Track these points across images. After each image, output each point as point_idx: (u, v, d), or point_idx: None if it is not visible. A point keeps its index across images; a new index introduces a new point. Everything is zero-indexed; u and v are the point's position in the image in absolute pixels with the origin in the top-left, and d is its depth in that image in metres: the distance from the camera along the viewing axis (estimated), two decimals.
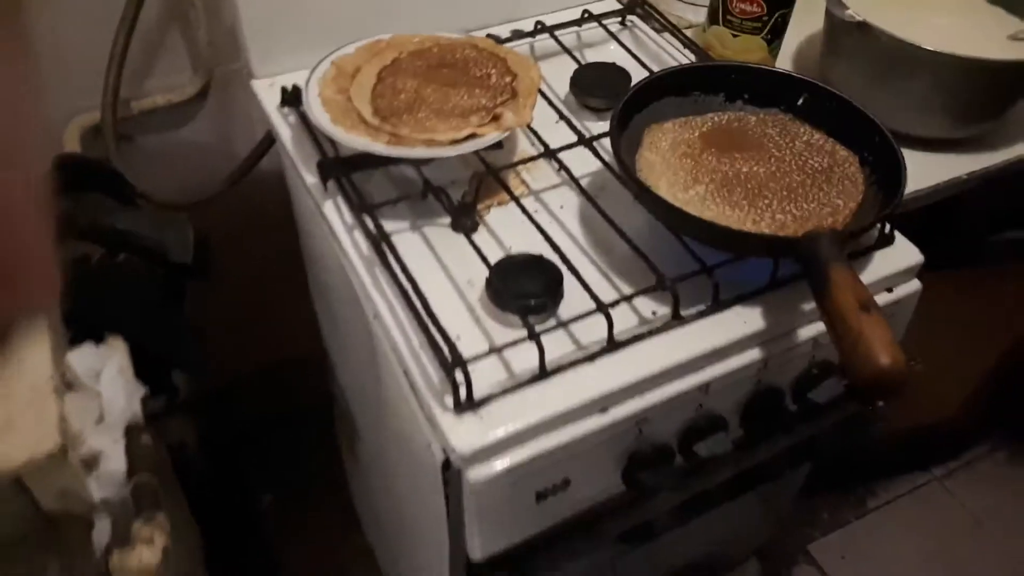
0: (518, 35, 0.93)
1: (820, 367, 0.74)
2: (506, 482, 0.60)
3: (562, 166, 0.78)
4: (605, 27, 0.97)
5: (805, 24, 1.02)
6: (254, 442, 1.43)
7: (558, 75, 0.89)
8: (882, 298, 0.74)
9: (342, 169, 0.74)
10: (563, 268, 0.67)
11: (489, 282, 0.66)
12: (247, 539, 1.41)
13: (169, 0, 0.98)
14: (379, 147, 0.71)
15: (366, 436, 1.00)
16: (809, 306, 0.69)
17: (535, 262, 0.68)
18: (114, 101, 0.97)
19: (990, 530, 1.54)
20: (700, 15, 1.00)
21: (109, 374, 0.65)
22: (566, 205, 0.77)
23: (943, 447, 1.64)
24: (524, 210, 0.72)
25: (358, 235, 0.72)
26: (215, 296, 1.09)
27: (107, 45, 0.94)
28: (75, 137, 0.97)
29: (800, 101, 0.80)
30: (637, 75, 0.85)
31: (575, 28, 0.97)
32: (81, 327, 0.68)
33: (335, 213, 0.74)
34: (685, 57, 0.95)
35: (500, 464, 0.59)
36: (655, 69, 0.83)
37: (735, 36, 0.94)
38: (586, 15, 0.97)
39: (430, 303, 0.64)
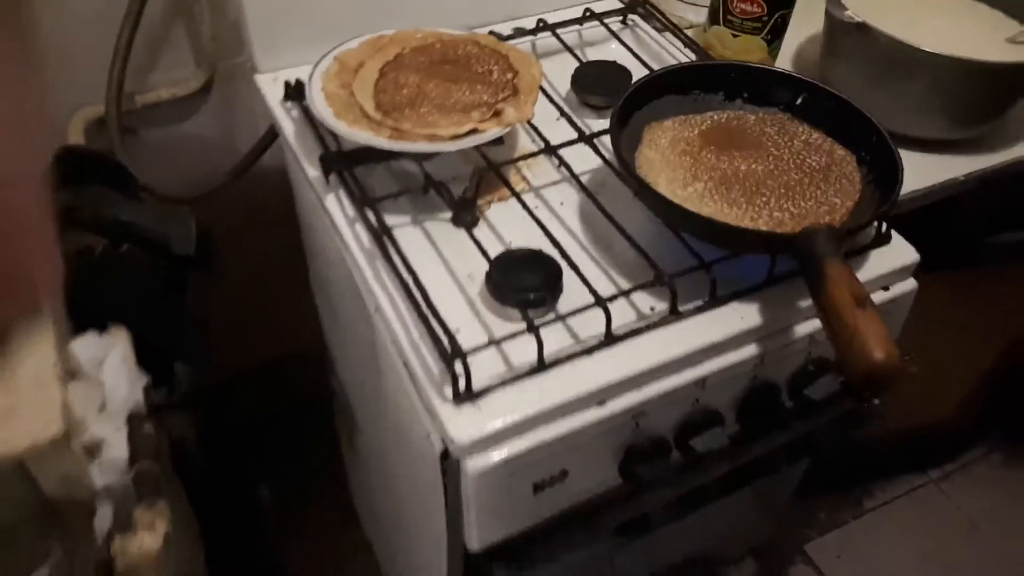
0: (520, 32, 0.94)
1: (816, 364, 0.75)
2: (504, 473, 0.61)
3: (562, 162, 0.78)
4: (606, 26, 0.97)
5: (806, 25, 1.03)
6: (254, 437, 1.43)
7: (559, 73, 0.90)
8: (878, 296, 0.75)
9: (344, 163, 0.75)
10: (562, 263, 0.68)
11: (489, 276, 0.67)
12: (246, 534, 1.42)
13: None
14: (381, 141, 0.71)
15: (366, 430, 1.00)
16: (805, 303, 0.70)
17: (535, 257, 0.69)
18: (118, 94, 0.97)
19: (986, 532, 1.55)
20: (701, 15, 1.01)
21: (112, 363, 0.66)
22: (566, 201, 0.78)
23: (939, 449, 1.64)
24: (524, 205, 0.73)
25: (360, 228, 0.73)
26: (216, 291, 1.10)
27: (112, 39, 0.95)
28: (79, 130, 0.98)
29: (799, 101, 0.81)
30: (638, 74, 0.85)
31: (576, 26, 0.97)
32: (84, 317, 0.69)
33: (337, 206, 0.75)
34: (686, 56, 0.96)
35: (498, 455, 0.60)
36: (656, 68, 0.84)
37: (735, 36, 0.95)
38: (588, 13, 0.98)
39: (430, 296, 0.65)
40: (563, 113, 0.83)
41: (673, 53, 0.97)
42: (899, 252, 0.76)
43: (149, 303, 0.82)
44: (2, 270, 0.54)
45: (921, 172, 0.89)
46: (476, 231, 0.72)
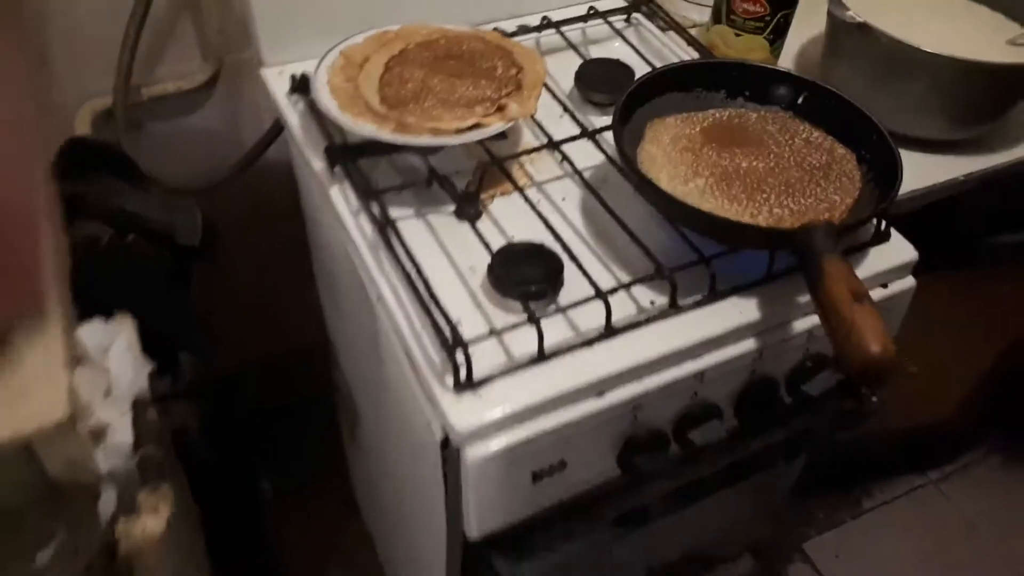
0: (524, 30, 0.95)
1: (814, 360, 0.75)
2: (503, 461, 0.61)
3: (565, 158, 0.79)
4: (610, 24, 0.98)
5: (808, 26, 1.03)
6: (257, 430, 1.44)
7: (563, 70, 0.91)
8: (877, 293, 0.75)
9: (349, 155, 0.76)
10: (564, 256, 0.69)
11: (491, 268, 0.68)
12: (247, 525, 1.42)
13: None
14: (386, 134, 0.72)
15: (368, 421, 1.01)
16: (804, 299, 0.71)
17: (536, 250, 0.70)
18: (125, 87, 0.98)
19: (984, 534, 1.55)
20: (704, 14, 1.02)
21: (117, 350, 0.67)
22: (568, 197, 0.79)
23: (939, 450, 1.65)
24: (527, 200, 0.74)
25: (363, 220, 0.73)
26: (220, 284, 1.11)
27: (120, 32, 0.96)
28: (86, 121, 0.99)
29: (800, 99, 0.82)
30: (641, 72, 0.85)
31: (580, 24, 0.98)
32: (90, 305, 0.70)
33: (341, 198, 0.76)
34: (688, 55, 0.96)
35: (497, 443, 0.61)
36: (658, 66, 0.84)
37: (738, 35, 0.96)
38: (592, 12, 0.98)
39: (432, 286, 0.66)
40: (566, 109, 0.84)
41: (676, 52, 0.97)
42: (898, 250, 0.77)
43: (154, 292, 0.83)
44: (3, 268, 0.54)
45: (921, 172, 0.89)
46: (479, 225, 0.73)
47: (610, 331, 0.65)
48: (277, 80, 0.87)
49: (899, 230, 0.78)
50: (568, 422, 0.63)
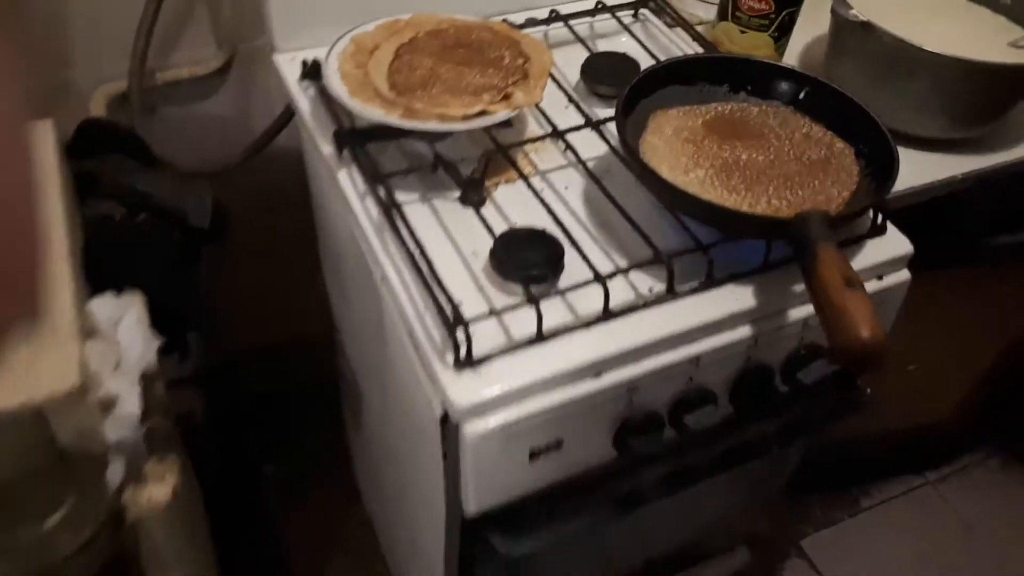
0: (532, 22, 0.96)
1: (809, 349, 0.77)
2: (501, 437, 0.63)
3: (569, 147, 0.81)
4: (618, 19, 1.00)
5: (814, 26, 1.04)
6: (260, 416, 1.46)
7: (570, 62, 0.92)
8: (872, 285, 0.77)
9: (357, 139, 0.78)
10: (565, 242, 0.70)
11: (493, 252, 0.69)
12: (250, 510, 1.44)
13: None
14: (393, 119, 0.74)
15: (371, 405, 1.03)
16: (799, 288, 0.72)
17: (538, 235, 0.71)
18: (141, 71, 1.00)
19: (981, 536, 1.56)
20: (711, 12, 1.03)
21: (127, 324, 0.69)
22: (571, 186, 0.80)
23: (937, 451, 1.65)
24: (530, 187, 0.75)
25: (370, 202, 0.75)
26: (227, 269, 1.13)
27: (136, 16, 0.98)
28: (101, 104, 1.01)
29: (801, 95, 0.83)
30: (646, 66, 0.87)
31: (588, 18, 1.00)
32: (101, 281, 0.71)
33: (349, 182, 0.77)
34: (694, 51, 0.98)
35: (495, 420, 0.62)
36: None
37: (743, 32, 0.97)
38: (599, 6, 1.00)
39: (436, 268, 0.67)
40: (572, 100, 0.86)
41: (682, 47, 0.99)
42: (894, 243, 0.78)
43: (163, 270, 0.84)
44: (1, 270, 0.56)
45: (921, 170, 0.90)
46: (482, 211, 0.74)
47: (608, 314, 0.67)
48: (289, 66, 0.89)
49: (898, 227, 0.79)
50: (565, 402, 0.65)
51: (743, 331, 0.71)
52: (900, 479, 1.64)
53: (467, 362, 0.62)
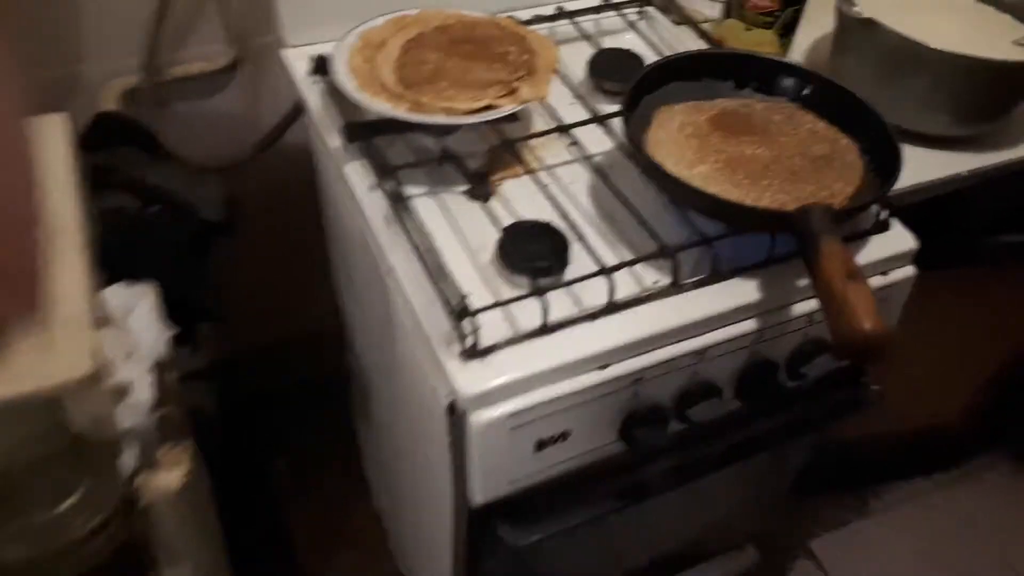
0: (539, 19, 0.97)
1: (814, 344, 0.77)
2: (507, 427, 0.64)
3: (575, 142, 0.81)
4: (624, 16, 1.01)
5: (822, 24, 1.05)
6: (268, 411, 1.47)
7: (576, 59, 0.93)
8: (877, 281, 0.77)
9: (365, 132, 0.78)
10: (570, 235, 0.71)
11: (500, 244, 0.70)
12: (259, 504, 1.45)
13: None
14: (400, 112, 0.75)
15: (379, 399, 1.04)
16: (803, 283, 0.73)
17: (544, 228, 0.72)
18: (152, 66, 1.01)
19: (990, 541, 1.55)
20: (716, 10, 1.04)
21: (140, 313, 0.70)
22: (576, 180, 0.81)
23: (946, 454, 1.65)
24: (536, 182, 0.76)
25: (377, 196, 0.76)
26: (235, 264, 1.13)
27: (146, 12, 0.99)
28: (112, 98, 1.02)
29: (806, 91, 0.84)
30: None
31: (594, 15, 1.01)
32: (115, 270, 0.73)
33: (356, 175, 0.78)
34: (699, 48, 0.99)
35: (502, 409, 0.63)
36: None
37: (748, 30, 0.98)
38: (606, 3, 1.01)
39: (442, 259, 0.68)
40: (578, 96, 0.87)
41: (687, 45, 1.00)
42: (898, 239, 0.79)
43: (176, 262, 0.85)
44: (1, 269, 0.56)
45: (925, 167, 0.91)
46: (489, 205, 0.75)
47: (613, 307, 0.68)
48: (298, 61, 0.90)
49: (902, 223, 0.79)
50: (571, 392, 0.65)
51: (748, 325, 0.72)
52: (909, 482, 1.63)
53: (474, 352, 0.63)
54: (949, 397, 1.45)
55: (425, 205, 0.76)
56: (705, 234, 0.72)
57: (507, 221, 0.73)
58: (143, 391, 0.66)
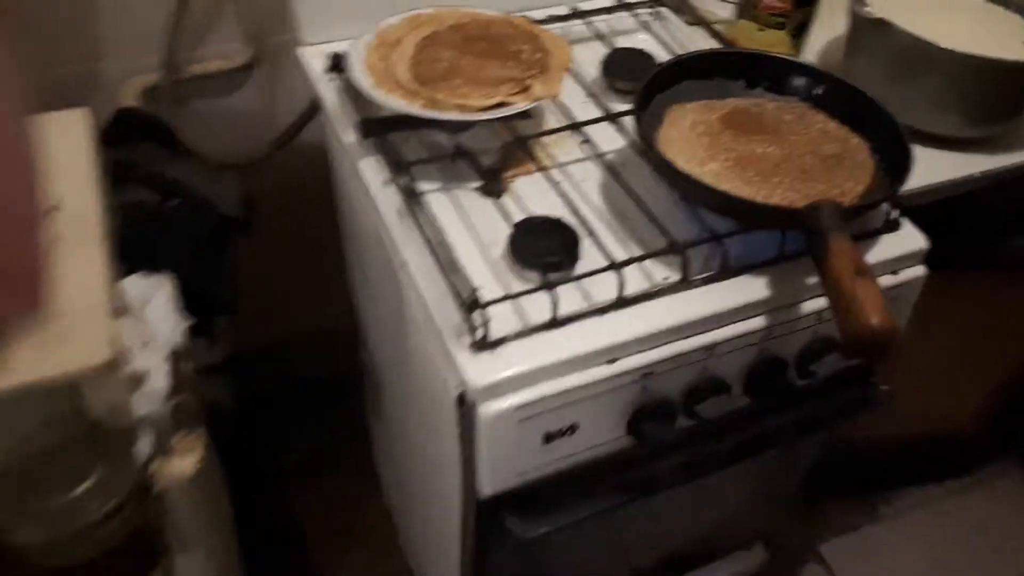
0: (553, 19, 0.98)
1: (823, 342, 0.78)
2: (516, 418, 0.64)
3: (587, 139, 0.82)
4: (637, 16, 1.01)
5: (834, 25, 1.05)
6: (280, 407, 1.48)
7: (589, 58, 0.94)
8: (887, 280, 0.78)
9: (380, 128, 0.79)
10: (581, 231, 0.72)
11: (512, 239, 0.71)
12: (270, 500, 1.46)
13: None
14: (415, 109, 0.76)
15: (391, 392, 1.05)
16: (813, 281, 0.73)
17: (555, 224, 0.73)
18: (171, 64, 1.03)
19: (1002, 548, 1.54)
20: (729, 11, 1.04)
21: (157, 303, 0.71)
22: (588, 178, 0.82)
23: (957, 460, 1.64)
24: (548, 179, 0.77)
25: (391, 191, 0.77)
26: (251, 260, 1.15)
27: (164, 10, 1.01)
28: (131, 96, 1.03)
29: (817, 91, 0.84)
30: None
31: (607, 16, 1.01)
32: (133, 262, 0.74)
33: (371, 171, 0.79)
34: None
35: (511, 400, 0.64)
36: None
37: (761, 31, 0.98)
38: (619, 3, 1.01)
39: (454, 253, 0.69)
40: (591, 95, 0.87)
41: (700, 45, 1.00)
42: (908, 239, 0.79)
43: (193, 256, 0.87)
44: (2, 268, 0.57)
45: (937, 168, 0.91)
46: (501, 201, 0.76)
47: (622, 301, 0.68)
48: (314, 59, 0.91)
49: (915, 225, 0.80)
50: (579, 386, 0.66)
51: (757, 322, 0.72)
52: (920, 488, 1.62)
53: (484, 344, 0.64)
54: (960, 402, 1.45)
55: (438, 200, 0.77)
56: (715, 231, 0.73)
57: (519, 217, 0.74)
58: (159, 379, 0.67)
